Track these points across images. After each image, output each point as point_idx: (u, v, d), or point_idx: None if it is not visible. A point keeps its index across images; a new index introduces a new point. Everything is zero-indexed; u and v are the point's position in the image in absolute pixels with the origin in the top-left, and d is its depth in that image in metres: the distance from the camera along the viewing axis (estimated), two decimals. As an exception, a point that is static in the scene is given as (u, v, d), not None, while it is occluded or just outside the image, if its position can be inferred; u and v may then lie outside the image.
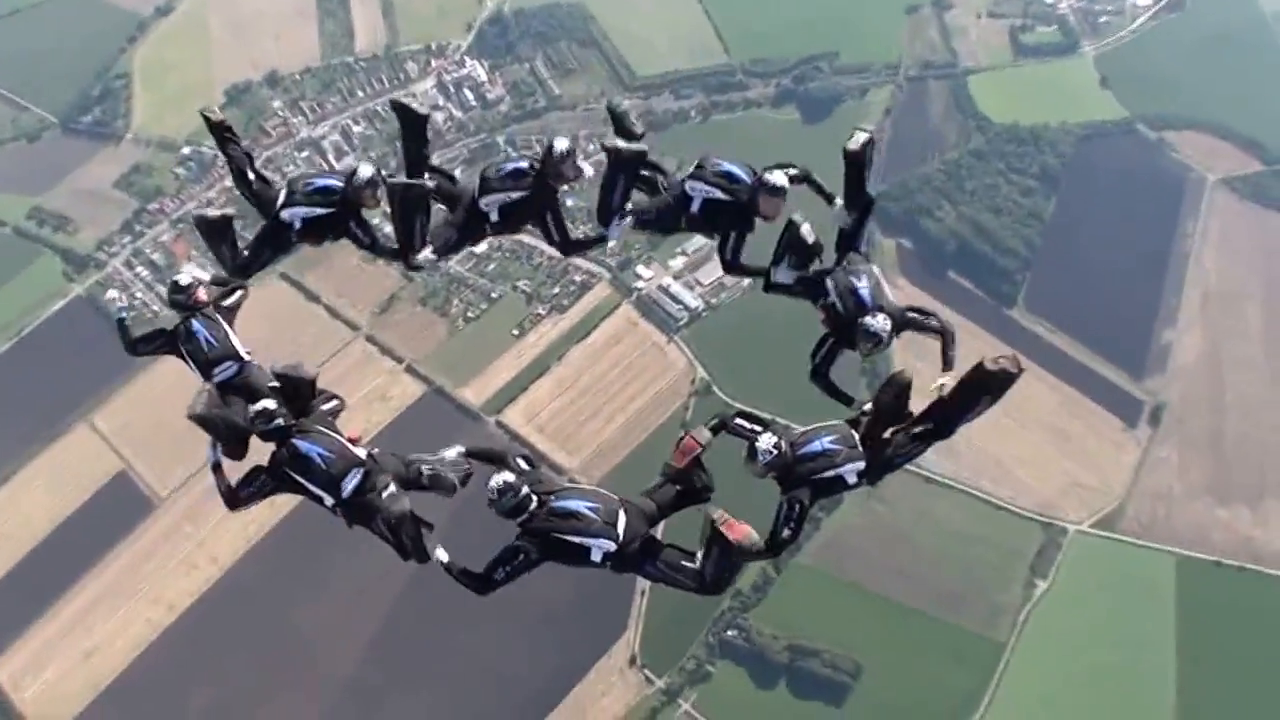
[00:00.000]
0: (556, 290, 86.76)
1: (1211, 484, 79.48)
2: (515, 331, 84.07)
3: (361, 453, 13.22)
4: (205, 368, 14.04)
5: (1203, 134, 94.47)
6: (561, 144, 13.91)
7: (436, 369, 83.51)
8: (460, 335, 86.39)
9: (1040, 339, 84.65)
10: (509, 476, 12.44)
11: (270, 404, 13.04)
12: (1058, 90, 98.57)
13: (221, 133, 14.81)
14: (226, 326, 14.14)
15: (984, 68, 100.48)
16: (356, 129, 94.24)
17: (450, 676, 71.22)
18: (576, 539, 12.23)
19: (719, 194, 14.20)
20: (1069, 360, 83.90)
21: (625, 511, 12.54)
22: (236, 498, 13.40)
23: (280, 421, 13.05)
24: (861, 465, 12.46)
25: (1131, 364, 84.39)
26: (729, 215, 14.30)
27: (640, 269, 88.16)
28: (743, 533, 12.04)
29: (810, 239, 13.95)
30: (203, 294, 14.20)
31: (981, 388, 12.45)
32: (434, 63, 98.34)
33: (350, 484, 12.97)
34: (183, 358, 14.22)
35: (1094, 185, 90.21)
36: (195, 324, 14.01)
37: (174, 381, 76.56)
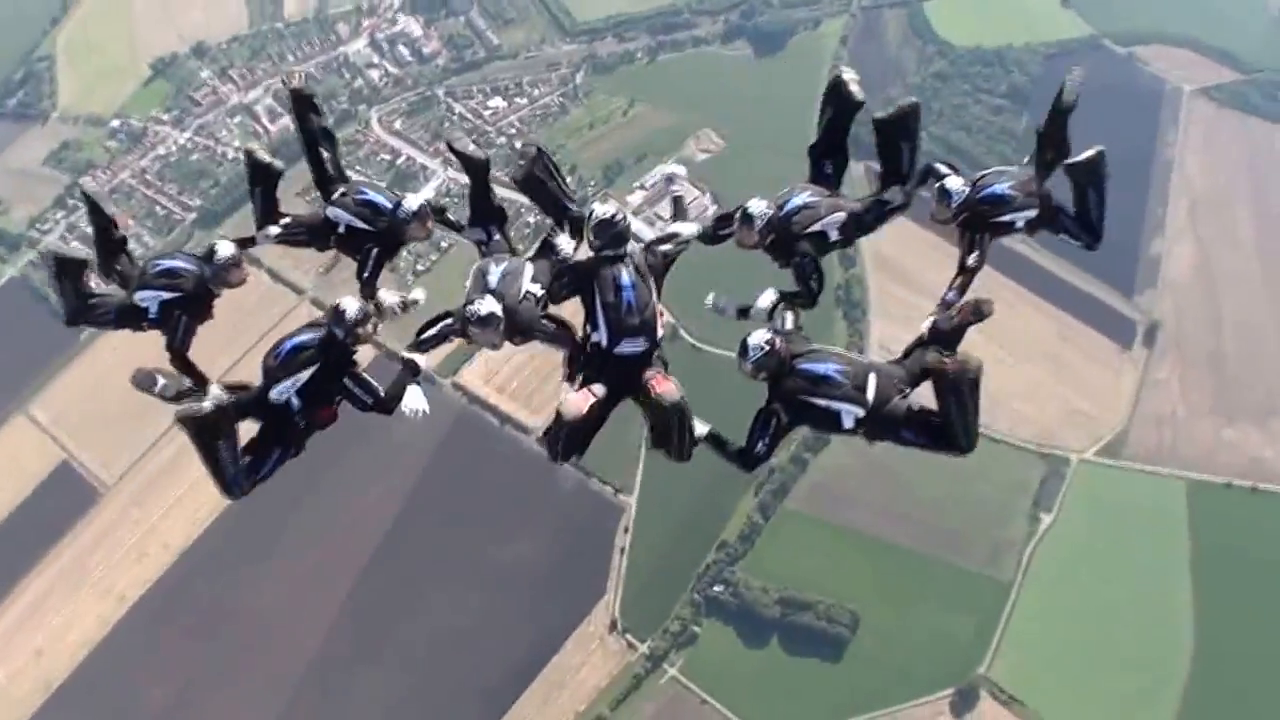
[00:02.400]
0: (510, 233, 77.77)
1: (1215, 404, 74.67)
2: (468, 284, 74.67)
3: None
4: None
5: (1172, 47, 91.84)
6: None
7: (385, 330, 74.50)
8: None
9: (1026, 259, 76.24)
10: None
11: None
12: (1019, 11, 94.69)
13: (303, 104, 13.68)
14: None
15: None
16: None
17: (418, 653, 65.75)
18: (824, 403, 11.19)
19: None
20: (1056, 280, 77.55)
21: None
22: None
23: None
24: (861, 412, 11.14)
25: (1121, 279, 78.88)
26: None
27: (596, 207, 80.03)
28: (666, 388, 10.93)
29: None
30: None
31: (937, 386, 11.11)
32: (365, 22, 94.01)
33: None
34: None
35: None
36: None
37: (111, 364, 70.00)
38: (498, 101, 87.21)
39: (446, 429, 69.69)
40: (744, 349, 11.24)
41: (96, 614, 68.57)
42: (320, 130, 13.68)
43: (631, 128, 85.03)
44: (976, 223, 12.89)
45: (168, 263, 12.68)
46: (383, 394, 11.84)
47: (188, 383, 12.23)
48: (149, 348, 12.83)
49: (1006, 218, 12.87)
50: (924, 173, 13.25)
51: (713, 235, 12.90)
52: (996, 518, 69.56)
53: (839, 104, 13.00)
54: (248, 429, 11.28)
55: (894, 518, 68.59)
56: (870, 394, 11.09)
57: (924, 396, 11.28)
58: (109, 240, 13.09)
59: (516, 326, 11.76)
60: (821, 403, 11.17)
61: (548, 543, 67.48)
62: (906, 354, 11.79)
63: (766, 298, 12.65)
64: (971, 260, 12.73)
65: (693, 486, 66.33)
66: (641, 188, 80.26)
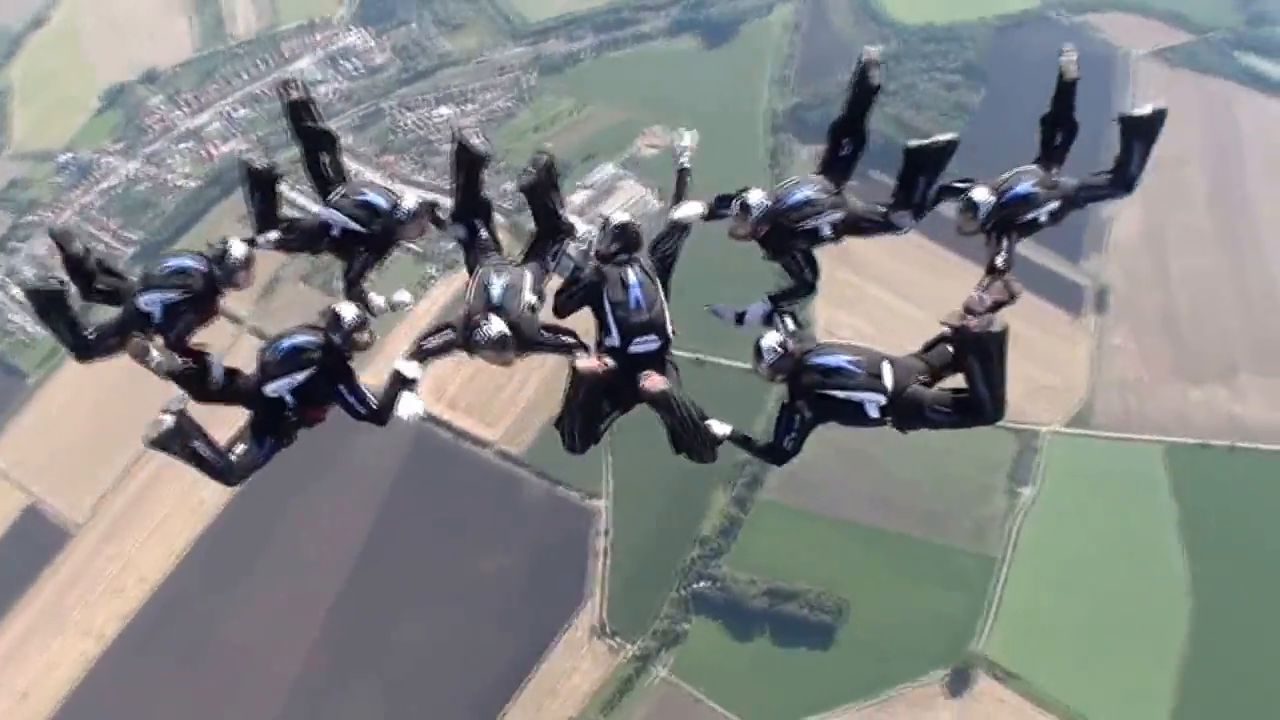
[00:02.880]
0: (450, 246, 76.66)
1: (1177, 366, 74.64)
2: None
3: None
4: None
5: (1122, 13, 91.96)
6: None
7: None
8: (349, 311, 78.90)
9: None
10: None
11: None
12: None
13: (299, 112, 13.33)
14: None
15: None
16: (239, 113, 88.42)
17: (402, 672, 64.57)
18: (844, 394, 11.29)
19: None
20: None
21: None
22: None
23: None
24: (882, 400, 11.28)
25: (1067, 245, 77.18)
26: None
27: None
28: (652, 382, 11.11)
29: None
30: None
31: (961, 348, 11.36)
32: (315, 37, 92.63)
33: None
34: None
35: (1020, 74, 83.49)
36: None
37: (66, 405, 67.90)
38: (445, 109, 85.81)
39: (406, 451, 68.42)
40: (758, 352, 11.46)
41: (79, 652, 67.50)
42: (319, 133, 13.41)
43: (579, 128, 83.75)
44: (1004, 226, 12.90)
45: (175, 262, 12.34)
46: (375, 404, 11.80)
47: (180, 361, 11.75)
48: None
49: (1032, 215, 12.87)
50: (939, 194, 13.19)
51: (712, 213, 12.87)
52: (975, 495, 68.84)
53: (860, 86, 12.94)
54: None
55: (872, 501, 67.75)
56: (887, 381, 11.22)
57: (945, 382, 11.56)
58: (84, 270, 12.45)
59: (521, 341, 11.81)
60: (841, 394, 11.31)
61: (523, 553, 66.47)
62: (927, 349, 11.90)
63: (757, 310, 13.01)
64: (1000, 261, 12.68)
65: (665, 485, 65.61)
66: (584, 186, 79.24)
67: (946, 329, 11.60)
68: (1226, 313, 75.38)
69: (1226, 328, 74.86)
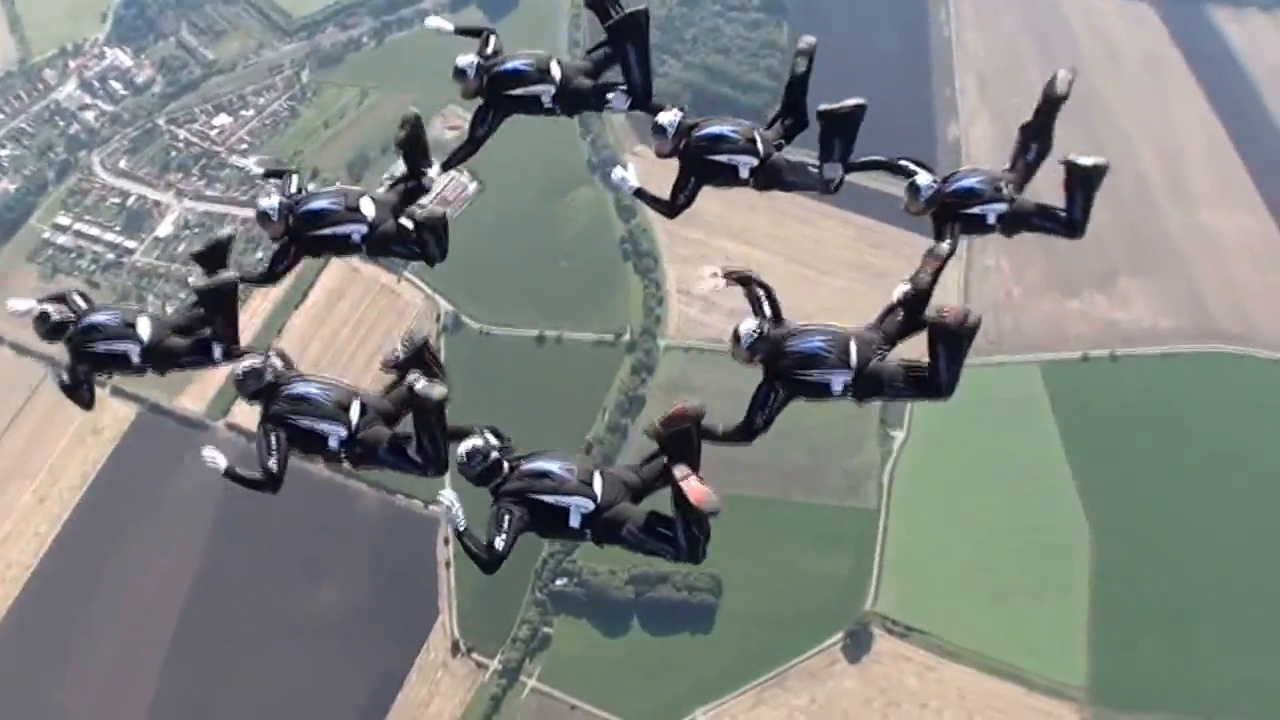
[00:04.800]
0: (260, 255, 69.69)
1: (1051, 278, 74.31)
2: None
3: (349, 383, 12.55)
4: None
5: None
6: None
7: (145, 382, 69.19)
8: (163, 336, 75.96)
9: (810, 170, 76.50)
10: (478, 441, 11.55)
11: (256, 362, 12.19)
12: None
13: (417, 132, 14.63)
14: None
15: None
16: (3, 152, 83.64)
17: None
18: (551, 499, 11.35)
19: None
20: (847, 185, 73.39)
21: (601, 474, 11.60)
22: (273, 474, 11.90)
23: (269, 376, 12.16)
24: (848, 377, 12.20)
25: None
26: None
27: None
28: (701, 495, 11.06)
29: None
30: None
31: (934, 336, 12.13)
32: (72, 63, 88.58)
33: (355, 411, 12.04)
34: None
35: (824, 2, 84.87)
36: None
37: None
38: (223, 119, 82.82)
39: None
40: (736, 337, 12.03)
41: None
42: (419, 168, 14.42)
43: (369, 118, 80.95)
44: (946, 214, 13.64)
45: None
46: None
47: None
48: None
49: (977, 210, 13.59)
50: (888, 166, 14.35)
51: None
52: (844, 446, 67.44)
53: (798, 72, 13.94)
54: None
55: (732, 467, 62.39)
56: (853, 360, 11.98)
57: (899, 352, 12.23)
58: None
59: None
60: (815, 375, 11.97)
61: (363, 575, 63.73)
62: (881, 319, 12.63)
63: (625, 173, 14.00)
64: (942, 247, 13.27)
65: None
66: (391, 177, 75.07)
67: (899, 300, 12.47)
68: (1099, 218, 73.23)
69: (1100, 233, 72.54)
